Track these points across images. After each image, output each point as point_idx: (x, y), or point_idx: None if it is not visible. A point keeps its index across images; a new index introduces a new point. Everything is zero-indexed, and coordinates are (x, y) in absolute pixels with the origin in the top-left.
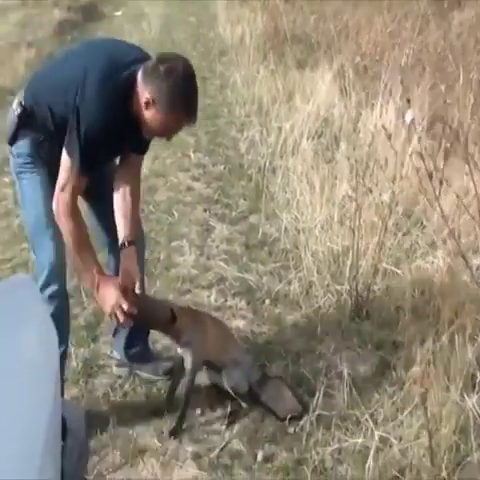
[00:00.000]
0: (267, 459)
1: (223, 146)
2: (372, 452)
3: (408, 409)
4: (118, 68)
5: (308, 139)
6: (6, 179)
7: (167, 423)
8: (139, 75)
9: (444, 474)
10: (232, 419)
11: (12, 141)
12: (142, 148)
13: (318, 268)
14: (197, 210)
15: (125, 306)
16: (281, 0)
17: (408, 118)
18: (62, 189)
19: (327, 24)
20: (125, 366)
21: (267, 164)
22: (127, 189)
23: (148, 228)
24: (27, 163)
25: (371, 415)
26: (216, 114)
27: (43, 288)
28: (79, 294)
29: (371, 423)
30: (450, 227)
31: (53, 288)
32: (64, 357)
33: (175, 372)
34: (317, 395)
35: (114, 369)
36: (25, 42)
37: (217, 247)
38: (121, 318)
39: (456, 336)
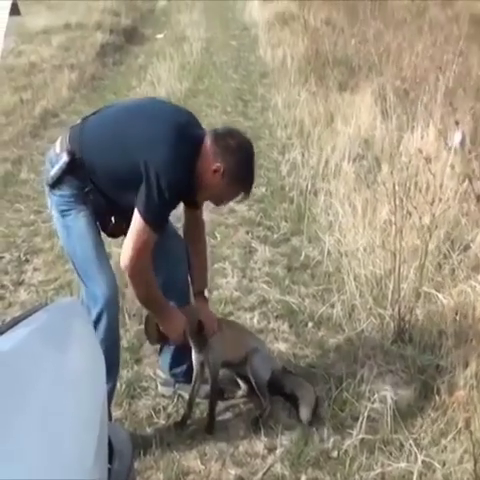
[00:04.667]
0: None
1: (264, 168)
2: (415, 477)
3: (452, 434)
4: (183, 131)
5: (349, 162)
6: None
7: (210, 445)
8: (208, 142)
9: None
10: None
11: (55, 184)
12: (197, 202)
13: (360, 291)
14: (239, 232)
15: (187, 330)
16: (322, 23)
17: (457, 139)
18: (139, 251)
19: (368, 47)
20: (169, 385)
21: (309, 186)
22: (197, 242)
23: None
24: (70, 202)
25: (414, 439)
26: (257, 136)
27: (97, 320)
28: (122, 316)
29: (415, 447)
30: None
31: (108, 319)
32: (113, 390)
33: (195, 378)
34: (360, 419)
35: (159, 387)
36: (68, 64)
37: (259, 269)
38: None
39: None
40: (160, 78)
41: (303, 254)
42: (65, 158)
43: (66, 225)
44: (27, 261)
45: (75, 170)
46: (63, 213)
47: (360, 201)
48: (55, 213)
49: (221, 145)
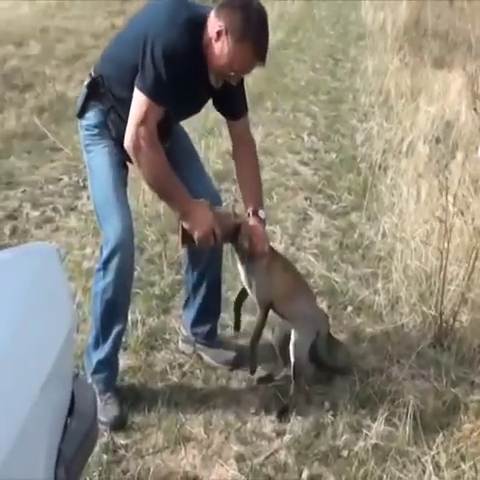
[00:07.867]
0: (312, 479)
1: (340, 134)
2: None
3: (473, 460)
4: (186, 4)
5: (425, 143)
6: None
7: (218, 414)
8: (212, 12)
9: None
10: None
11: (81, 113)
12: (233, 109)
13: (408, 283)
14: (298, 197)
15: (218, 231)
16: None
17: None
18: (138, 124)
19: (473, 23)
20: (190, 344)
21: (379, 161)
22: (244, 161)
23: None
24: (94, 135)
25: (432, 457)
26: (340, 99)
27: (107, 261)
28: (161, 262)
29: (431, 466)
30: None
31: (118, 262)
32: (121, 334)
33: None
34: (378, 422)
35: (179, 343)
36: None
37: (310, 240)
38: (211, 242)
39: None
40: None
41: (358, 232)
42: (86, 81)
43: (89, 164)
44: (84, 187)
45: (96, 91)
46: (87, 148)
47: (426, 187)
48: (83, 149)
49: (225, 6)
